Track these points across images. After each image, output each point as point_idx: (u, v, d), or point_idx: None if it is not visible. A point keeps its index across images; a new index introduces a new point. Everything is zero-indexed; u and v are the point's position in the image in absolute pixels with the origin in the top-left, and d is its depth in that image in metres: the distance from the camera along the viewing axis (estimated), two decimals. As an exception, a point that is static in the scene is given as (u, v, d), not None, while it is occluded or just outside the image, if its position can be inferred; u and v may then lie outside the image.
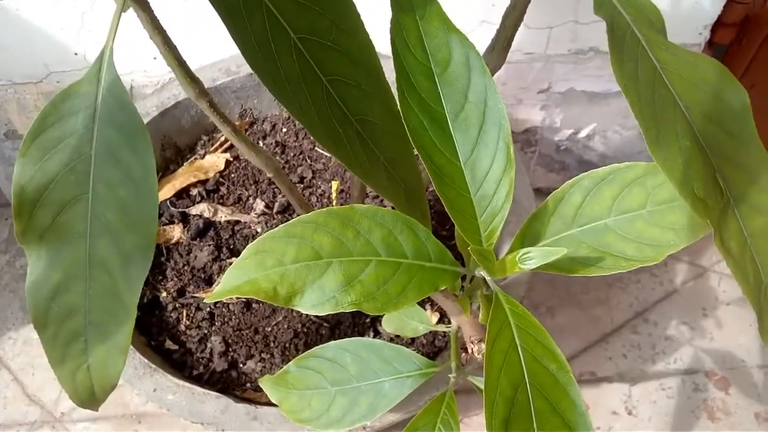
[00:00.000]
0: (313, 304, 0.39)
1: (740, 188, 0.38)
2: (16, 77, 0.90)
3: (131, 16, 0.39)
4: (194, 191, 0.81)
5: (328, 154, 0.82)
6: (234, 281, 0.39)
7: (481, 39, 0.84)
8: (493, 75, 0.52)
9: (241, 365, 0.72)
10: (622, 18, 0.38)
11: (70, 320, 0.45)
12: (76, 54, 0.86)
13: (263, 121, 0.86)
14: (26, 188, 0.42)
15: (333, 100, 0.41)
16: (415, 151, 0.44)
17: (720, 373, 0.97)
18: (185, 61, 0.43)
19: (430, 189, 0.75)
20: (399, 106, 0.42)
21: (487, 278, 0.43)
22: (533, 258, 0.40)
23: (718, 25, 0.86)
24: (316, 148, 0.84)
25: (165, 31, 0.41)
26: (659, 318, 1.02)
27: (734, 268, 0.36)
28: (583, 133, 1.02)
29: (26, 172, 0.42)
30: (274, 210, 0.79)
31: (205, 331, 0.73)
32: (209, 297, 0.40)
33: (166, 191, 0.80)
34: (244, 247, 0.78)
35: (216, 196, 0.81)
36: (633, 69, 0.36)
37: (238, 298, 0.74)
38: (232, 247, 0.77)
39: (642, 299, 1.04)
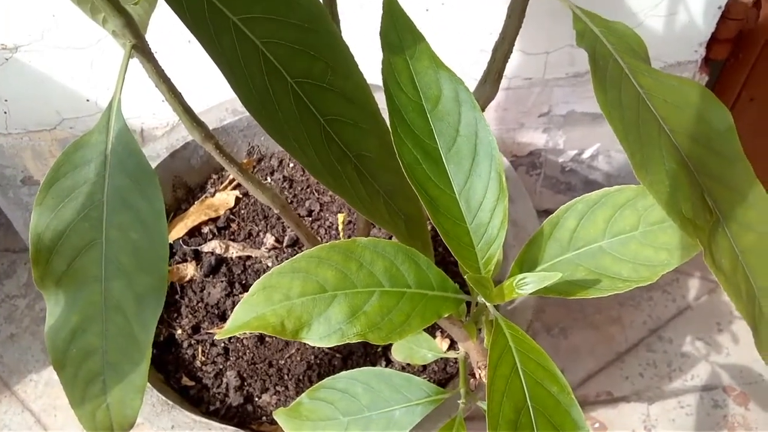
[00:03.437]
0: (320, 336, 0.41)
1: (729, 206, 0.39)
2: (31, 125, 0.93)
3: (138, 62, 0.41)
4: (206, 229, 0.83)
5: (335, 187, 0.84)
6: (243, 317, 0.41)
7: (480, 66, 0.86)
8: (487, 105, 0.53)
9: (256, 399, 0.73)
10: (604, 47, 0.40)
11: (89, 361, 0.46)
12: (87, 100, 0.89)
13: (270, 157, 0.88)
14: (43, 236, 0.44)
15: (331, 139, 0.42)
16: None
17: (738, 388, 0.96)
18: (190, 107, 0.45)
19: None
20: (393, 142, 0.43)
21: (488, 305, 0.44)
22: (530, 283, 0.41)
23: (713, 42, 0.88)
24: (322, 181, 0.86)
25: (170, 79, 0.43)
26: (674, 335, 1.02)
27: (726, 285, 0.36)
28: (587, 154, 1.03)
29: (42, 220, 0.44)
30: (284, 244, 0.81)
31: (221, 367, 0.74)
32: (220, 334, 0.42)
33: (179, 230, 0.82)
34: (255, 282, 0.79)
35: (227, 232, 0.83)
36: (616, 96, 0.38)
37: (251, 332, 0.75)
38: (244, 282, 0.79)
39: (655, 317, 1.03)
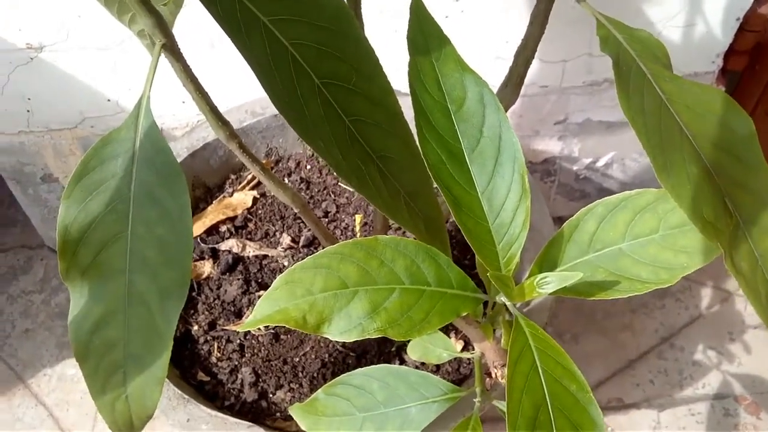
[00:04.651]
0: (340, 331, 0.41)
1: (750, 211, 0.39)
2: (53, 124, 0.94)
3: (162, 63, 0.42)
4: (223, 228, 0.84)
5: (351, 189, 0.85)
6: (266, 310, 0.41)
7: (496, 74, 0.87)
8: (507, 110, 0.54)
9: (270, 395, 0.73)
10: (628, 54, 0.41)
11: (110, 353, 0.47)
12: (109, 100, 0.91)
13: (288, 159, 0.89)
14: (70, 228, 0.44)
15: (355, 139, 0.43)
16: (435, 184, 0.46)
17: (750, 397, 0.96)
18: (216, 107, 0.45)
19: (451, 219, 0.77)
20: (418, 143, 0.44)
21: (508, 303, 0.45)
22: (551, 282, 0.42)
23: (730, 53, 0.88)
24: (339, 183, 0.87)
25: (197, 79, 0.44)
26: (686, 343, 1.02)
27: (746, 289, 0.37)
28: (601, 162, 1.04)
29: (70, 213, 0.44)
30: (300, 244, 0.82)
31: (236, 363, 0.75)
32: (242, 326, 0.42)
33: (197, 228, 0.83)
34: (272, 281, 0.80)
35: (244, 232, 0.84)
36: (639, 101, 0.38)
37: (267, 329, 0.76)
38: (260, 280, 0.80)
39: (667, 324, 1.03)
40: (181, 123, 0.94)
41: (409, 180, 0.47)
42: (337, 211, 0.85)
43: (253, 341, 0.76)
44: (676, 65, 0.90)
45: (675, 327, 1.03)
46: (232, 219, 0.85)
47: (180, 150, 0.84)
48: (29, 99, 0.90)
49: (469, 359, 0.73)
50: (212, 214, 0.85)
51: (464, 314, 0.44)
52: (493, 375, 0.53)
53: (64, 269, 0.45)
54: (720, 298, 1.05)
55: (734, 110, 0.41)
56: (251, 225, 0.84)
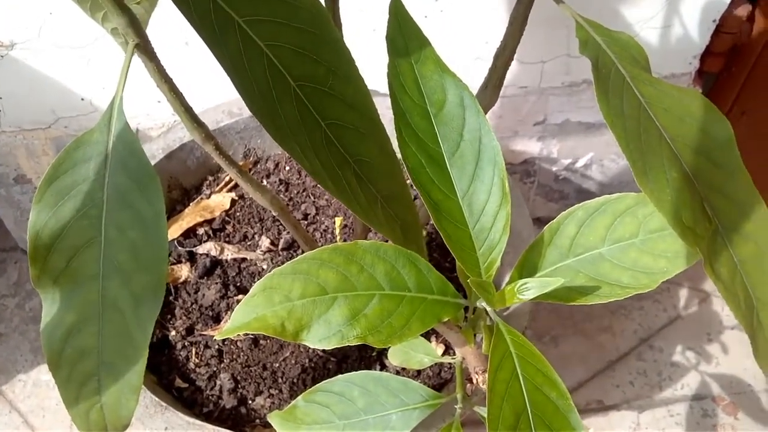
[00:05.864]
0: (319, 338, 0.41)
1: (729, 216, 0.39)
2: (25, 124, 0.92)
3: (135, 62, 0.41)
4: (201, 230, 0.82)
5: (331, 191, 0.84)
6: (243, 318, 0.41)
7: (476, 75, 0.86)
8: (487, 112, 0.54)
9: (250, 401, 0.72)
10: (607, 56, 0.40)
11: (84, 361, 0.46)
12: (82, 99, 0.89)
13: (267, 160, 0.88)
14: (41, 234, 0.43)
15: (331, 143, 0.42)
16: (413, 188, 0.46)
17: (728, 398, 0.97)
18: (191, 108, 0.44)
19: (430, 222, 0.77)
20: (397, 146, 0.44)
21: (489, 309, 0.45)
22: (531, 288, 0.41)
23: (707, 55, 0.89)
24: (318, 185, 0.86)
25: (171, 79, 0.43)
26: (664, 344, 1.02)
27: (725, 294, 0.37)
28: (580, 163, 1.04)
29: (41, 218, 0.43)
30: (280, 247, 0.81)
31: (214, 369, 0.74)
32: (219, 334, 0.41)
33: (174, 231, 0.82)
34: (251, 284, 0.79)
35: (222, 234, 0.83)
36: (618, 104, 0.38)
37: (246, 334, 0.75)
38: (239, 284, 0.79)
39: (646, 326, 1.04)
40: (157, 123, 0.93)
41: (385, 184, 0.46)
42: (317, 214, 0.84)
43: (232, 346, 0.75)
44: (653, 67, 0.90)
45: (653, 328, 1.04)
46: (209, 221, 0.83)
47: (156, 151, 0.83)
48: (0, 98, 0.88)
49: (450, 363, 0.72)
50: (189, 217, 0.83)
51: (445, 320, 0.44)
52: (474, 380, 0.53)
53: (35, 276, 0.44)
54: (698, 299, 1.06)
55: (713, 114, 0.41)
56: (229, 227, 0.83)
